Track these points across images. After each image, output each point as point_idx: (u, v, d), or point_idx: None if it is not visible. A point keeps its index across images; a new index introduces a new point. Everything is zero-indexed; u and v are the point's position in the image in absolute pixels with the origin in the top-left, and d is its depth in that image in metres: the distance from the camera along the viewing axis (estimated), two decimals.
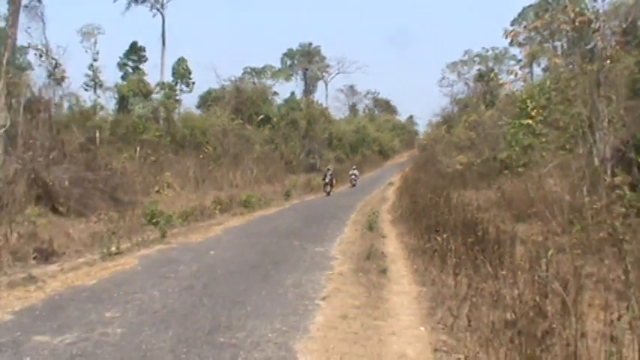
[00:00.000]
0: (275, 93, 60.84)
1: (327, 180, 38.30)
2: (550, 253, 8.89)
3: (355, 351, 7.39)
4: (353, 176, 46.83)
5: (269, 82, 61.87)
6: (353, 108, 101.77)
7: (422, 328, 8.42)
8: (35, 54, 25.19)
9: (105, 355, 7.00)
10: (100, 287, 10.61)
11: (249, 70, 62.20)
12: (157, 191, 27.09)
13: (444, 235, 12.75)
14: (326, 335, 7.99)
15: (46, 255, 12.64)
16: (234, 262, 13.47)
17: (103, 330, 7.99)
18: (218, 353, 7.13)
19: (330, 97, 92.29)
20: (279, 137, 49.86)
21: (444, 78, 70.73)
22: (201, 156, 36.00)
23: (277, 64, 70.27)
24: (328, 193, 37.59)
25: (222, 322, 8.47)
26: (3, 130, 18.94)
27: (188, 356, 7.01)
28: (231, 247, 15.40)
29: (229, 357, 7.03)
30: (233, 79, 55.42)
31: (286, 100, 62.90)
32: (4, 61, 19.75)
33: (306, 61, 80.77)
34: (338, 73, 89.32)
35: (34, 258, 12.35)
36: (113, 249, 13.79)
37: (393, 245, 16.42)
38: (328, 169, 40.29)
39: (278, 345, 7.50)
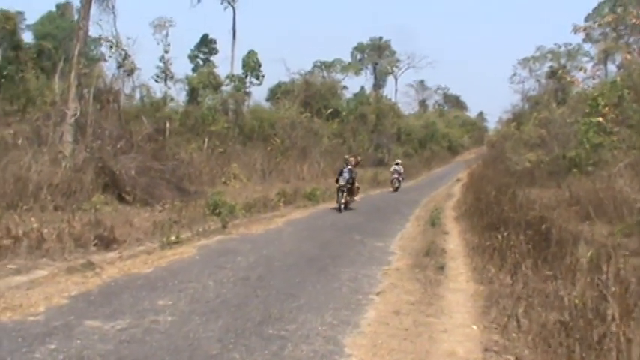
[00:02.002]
0: (344, 87, 60.92)
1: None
2: (613, 254, 8.69)
3: (404, 347, 7.33)
4: (396, 175, 37.45)
5: (338, 76, 61.99)
6: (422, 103, 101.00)
7: (474, 327, 8.31)
8: (106, 45, 25.68)
9: (153, 342, 7.08)
10: (156, 275, 10.74)
11: (318, 63, 62.44)
12: (224, 182, 27.34)
13: (505, 233, 12.57)
14: (376, 330, 7.95)
15: (106, 242, 12.84)
16: (292, 254, 13.50)
17: (154, 317, 8.06)
18: (265, 344, 7.15)
19: (399, 92, 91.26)
20: (347, 131, 49.80)
21: (515, 74, 69.79)
22: (268, 148, 36.16)
23: (347, 58, 70.08)
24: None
25: (274, 313, 8.49)
26: (73, 119, 19.40)
27: (235, 346, 7.03)
28: (291, 240, 15.44)
29: (276, 348, 7.04)
30: (302, 72, 55.64)
31: (355, 95, 62.87)
32: (76, 53, 20.20)
33: (376, 55, 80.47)
34: (408, 68, 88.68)
35: (95, 245, 12.56)
36: (173, 238, 13.88)
37: (454, 242, 16.28)
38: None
39: (327, 338, 7.48)
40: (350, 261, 13.11)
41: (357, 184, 24.97)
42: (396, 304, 9.42)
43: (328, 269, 12.06)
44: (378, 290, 10.35)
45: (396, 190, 36.61)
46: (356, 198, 24.90)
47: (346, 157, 27.11)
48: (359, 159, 28.91)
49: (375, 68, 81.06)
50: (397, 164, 38.69)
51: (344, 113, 52.52)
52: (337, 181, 23.69)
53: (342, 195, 23.21)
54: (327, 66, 62.95)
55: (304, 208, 24.00)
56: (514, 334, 7.72)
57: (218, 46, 52.33)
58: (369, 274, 11.66)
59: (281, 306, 8.93)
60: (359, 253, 14.21)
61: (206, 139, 31.68)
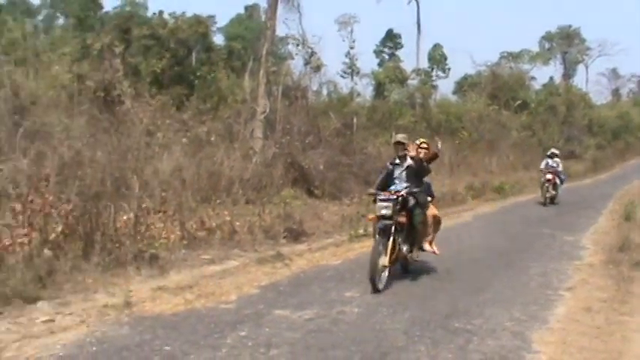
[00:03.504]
0: (532, 78, 58.82)
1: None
2: None
3: (595, 346, 6.96)
4: (548, 176, 22.96)
5: (526, 66, 59.88)
6: (615, 92, 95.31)
7: None
8: (293, 44, 26.28)
9: (339, 333, 7.14)
10: (344, 267, 10.88)
11: (505, 54, 60.60)
12: None
13: None
14: (565, 327, 7.62)
15: (296, 235, 13.14)
16: (480, 248, 13.26)
17: (341, 308, 8.16)
18: (451, 338, 7.03)
19: (590, 82, 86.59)
20: (536, 123, 48.01)
21: None
22: (456, 142, 35.61)
23: (535, 48, 67.60)
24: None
25: (460, 307, 8.37)
26: (263, 116, 19.97)
27: (421, 339, 6.96)
28: (479, 233, 15.13)
29: (462, 342, 6.91)
30: (489, 64, 54.30)
31: (544, 85, 60.67)
32: (265, 52, 20.81)
33: (565, 44, 76.97)
34: (599, 56, 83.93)
35: (285, 237, 12.89)
36: (361, 231, 14.00)
37: None
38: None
39: (514, 334, 7.27)
40: (539, 255, 12.77)
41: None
42: (586, 300, 9.01)
43: (516, 263, 11.83)
44: (569, 286, 9.98)
45: (550, 201, 22.82)
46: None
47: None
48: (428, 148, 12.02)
49: (564, 57, 77.57)
50: (551, 156, 23.83)
51: (532, 105, 50.76)
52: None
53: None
54: (514, 57, 61.03)
55: (493, 202, 23.53)
56: None
57: (403, 41, 52.35)
58: (558, 269, 11.28)
59: (468, 300, 8.80)
60: (548, 247, 13.81)
61: (393, 133, 31.61)
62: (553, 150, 24.67)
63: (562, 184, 23.65)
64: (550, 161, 23.52)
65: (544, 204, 22.37)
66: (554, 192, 22.84)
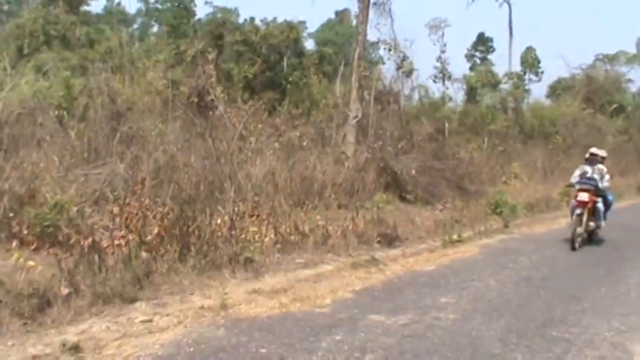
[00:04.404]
0: (629, 80, 56.68)
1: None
2: None
3: None
4: (583, 196, 14.45)
5: (623, 68, 57.74)
6: None
7: None
8: (384, 48, 26.08)
9: (435, 339, 7.09)
10: (438, 273, 10.79)
11: (600, 57, 58.69)
12: (504, 182, 26.70)
13: None
14: None
15: (389, 239, 13.06)
16: (577, 255, 13.03)
17: (436, 314, 8.11)
18: (549, 347, 6.91)
19: None
20: (633, 127, 46.36)
21: None
22: (550, 146, 34.78)
23: (632, 50, 65.36)
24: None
25: (557, 315, 8.23)
26: (355, 120, 19.91)
27: (517, 347, 6.87)
28: None
29: (560, 351, 6.78)
30: (584, 67, 52.70)
31: None
32: (356, 56, 20.75)
33: None
34: None
35: (378, 242, 12.83)
36: (455, 237, 13.98)
37: None
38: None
39: (614, 345, 7.10)
40: (638, 264, 12.55)
41: None
42: None
43: (615, 272, 11.55)
44: None
45: (588, 237, 14.88)
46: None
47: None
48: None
49: None
50: (590, 160, 15.56)
51: (629, 108, 49.06)
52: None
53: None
54: (610, 59, 59.01)
55: None
56: None
57: (495, 44, 51.63)
58: None
59: (565, 308, 8.65)
60: None
61: (485, 138, 31.14)
62: (593, 150, 15.60)
63: (607, 209, 15.17)
64: (588, 169, 15.11)
65: (573, 244, 13.67)
66: (592, 224, 14.59)
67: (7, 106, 15.21)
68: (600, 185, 14.74)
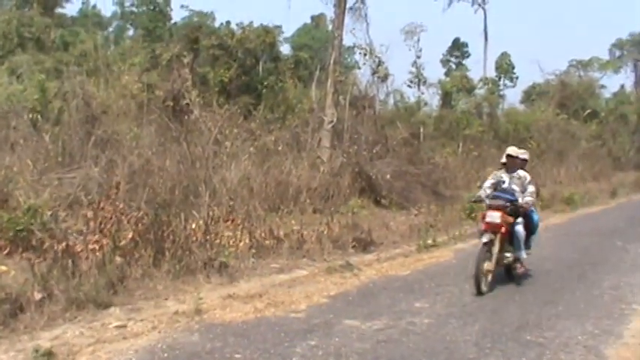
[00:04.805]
0: (602, 86, 57.32)
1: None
2: None
3: None
4: (493, 217, 10.14)
5: (596, 74, 58.34)
6: None
7: None
8: (360, 53, 26.17)
9: (409, 344, 7.09)
10: (413, 278, 10.82)
11: (574, 62, 59.29)
12: (479, 186, 26.85)
13: None
14: None
15: (364, 244, 13.10)
16: (550, 259, 13.00)
17: (411, 319, 8.10)
18: (523, 351, 6.92)
19: None
20: (606, 133, 46.91)
21: None
22: None
23: (605, 56, 65.97)
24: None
25: (531, 319, 8.25)
26: (330, 125, 19.98)
27: (492, 351, 6.88)
28: (549, 245, 14.76)
29: (534, 356, 6.79)
30: (557, 72, 53.26)
31: (615, 94, 59.06)
32: (332, 61, 20.84)
33: (637, 51, 74.99)
34: None
35: (353, 247, 12.86)
36: (429, 241, 14.01)
37: None
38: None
39: (587, 348, 7.11)
40: (611, 268, 12.49)
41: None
42: None
43: (588, 276, 11.58)
44: None
45: (506, 273, 10.89)
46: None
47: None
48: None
49: (635, 65, 75.59)
50: (508, 165, 11.17)
51: (602, 114, 49.62)
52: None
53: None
54: (584, 65, 59.58)
55: (562, 213, 23.03)
56: None
57: (470, 49, 51.98)
58: (632, 283, 10.97)
59: (539, 312, 8.68)
60: (621, 260, 13.50)
61: (460, 143, 31.36)
62: (511, 150, 11.26)
63: (531, 234, 11.23)
64: (505, 177, 11.09)
65: (478, 286, 9.67)
66: (508, 255, 10.60)
67: None
68: (520, 200, 10.55)
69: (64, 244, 8.93)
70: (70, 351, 6.44)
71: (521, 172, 10.85)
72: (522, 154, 11.39)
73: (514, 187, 10.66)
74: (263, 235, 11.76)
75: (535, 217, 11.18)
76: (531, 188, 10.66)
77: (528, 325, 7.97)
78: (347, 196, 17.25)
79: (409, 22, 41.78)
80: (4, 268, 8.04)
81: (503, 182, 10.77)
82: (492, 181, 10.91)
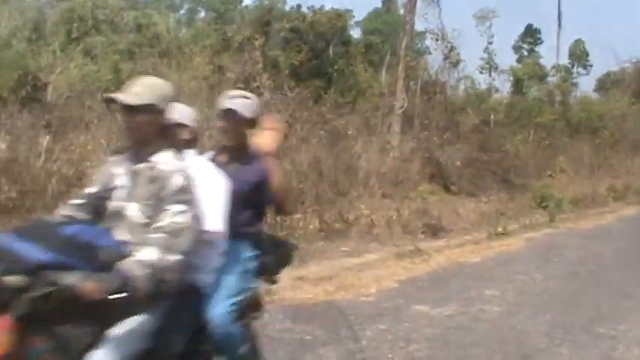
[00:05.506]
0: None
1: None
2: None
3: None
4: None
5: None
6: None
7: None
8: (431, 38, 25.87)
9: (480, 331, 7.03)
10: (483, 265, 10.76)
11: None
12: (550, 175, 26.40)
13: None
14: None
15: (433, 230, 13.07)
16: (624, 251, 12.77)
17: (481, 307, 8.04)
18: (595, 343, 6.76)
19: None
20: None
21: None
22: (597, 141, 34.26)
23: None
24: None
25: (604, 312, 8.06)
26: (401, 110, 19.82)
27: (563, 342, 6.74)
28: (622, 237, 14.54)
29: (606, 348, 6.62)
30: (634, 60, 51.78)
31: None
32: (404, 46, 20.67)
33: None
34: None
35: (423, 232, 12.81)
36: (500, 229, 13.88)
37: None
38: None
39: None
40: None
41: None
42: None
43: None
44: None
45: None
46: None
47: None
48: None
49: None
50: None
51: None
52: None
53: None
54: None
55: (636, 205, 22.44)
56: None
57: (542, 36, 50.95)
58: None
59: (612, 304, 8.45)
60: None
61: (531, 131, 30.81)
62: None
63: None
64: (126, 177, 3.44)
65: None
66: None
67: (57, 89, 15.44)
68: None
69: None
70: None
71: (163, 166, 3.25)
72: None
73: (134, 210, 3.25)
74: (332, 218, 11.77)
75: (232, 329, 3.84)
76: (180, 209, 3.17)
77: (600, 317, 7.77)
78: (416, 182, 17.14)
79: (481, 7, 41.04)
80: None
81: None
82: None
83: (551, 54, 52.03)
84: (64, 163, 11.24)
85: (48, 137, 12.92)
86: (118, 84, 17.76)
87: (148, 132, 3.31)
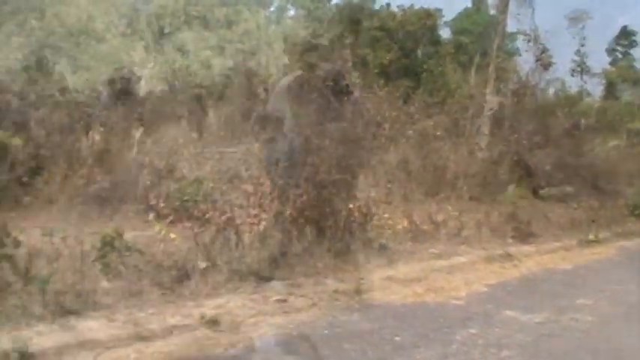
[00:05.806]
0: None
1: None
2: None
3: None
4: None
5: None
6: None
7: None
8: (523, 39, 25.39)
9: (572, 341, 6.87)
10: (575, 273, 10.56)
11: None
12: None
13: None
14: None
15: (523, 235, 12.81)
16: None
17: (573, 315, 7.85)
18: None
19: None
20: None
21: None
22: None
23: None
24: None
25: None
26: (491, 112, 19.53)
27: None
28: None
29: None
30: None
31: None
32: (495, 47, 20.39)
33: None
34: None
35: (512, 237, 12.58)
36: (591, 237, 13.54)
37: None
38: None
39: None
40: None
41: None
42: None
43: None
44: None
45: None
46: None
47: None
48: None
49: None
50: None
51: None
52: None
53: None
54: None
55: None
56: None
57: (638, 39, 49.41)
58: None
59: None
60: None
61: (624, 137, 29.95)
62: None
63: None
64: None
65: None
66: None
67: (149, 83, 15.80)
68: None
69: (226, 216, 9.17)
70: (234, 321, 6.63)
71: None
72: None
73: None
74: (421, 219, 11.69)
75: None
76: None
77: None
78: (504, 185, 16.87)
79: (574, 9, 40.07)
80: (173, 235, 8.34)
81: None
82: None
83: None
84: (156, 156, 11.44)
85: (140, 130, 13.25)
86: (209, 79, 18.13)
87: None
